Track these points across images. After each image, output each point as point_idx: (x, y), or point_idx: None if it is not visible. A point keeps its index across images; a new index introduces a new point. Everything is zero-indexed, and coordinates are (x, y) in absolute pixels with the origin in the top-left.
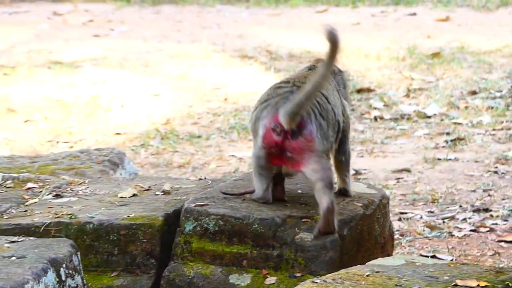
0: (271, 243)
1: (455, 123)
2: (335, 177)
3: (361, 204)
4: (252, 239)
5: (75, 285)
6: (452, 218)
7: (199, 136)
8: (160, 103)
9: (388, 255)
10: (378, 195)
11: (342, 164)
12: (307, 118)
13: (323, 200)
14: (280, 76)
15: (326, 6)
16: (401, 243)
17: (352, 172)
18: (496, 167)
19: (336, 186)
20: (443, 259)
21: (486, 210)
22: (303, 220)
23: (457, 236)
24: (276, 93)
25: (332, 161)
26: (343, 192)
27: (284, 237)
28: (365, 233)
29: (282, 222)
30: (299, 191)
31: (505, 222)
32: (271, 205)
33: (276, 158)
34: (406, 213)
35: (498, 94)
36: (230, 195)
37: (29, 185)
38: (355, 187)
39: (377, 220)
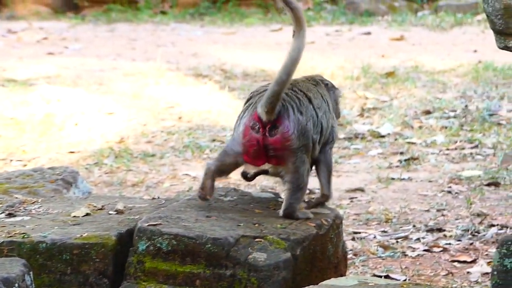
0: (224, 263)
1: (409, 142)
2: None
3: (314, 224)
4: (205, 259)
5: None
6: (405, 238)
7: (153, 155)
8: (114, 122)
9: (341, 275)
10: (331, 215)
11: (323, 169)
12: (284, 114)
13: (284, 203)
14: (234, 95)
15: (281, 24)
16: (354, 263)
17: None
18: (450, 187)
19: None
20: (397, 279)
21: (440, 230)
22: (256, 240)
23: (411, 256)
24: (257, 92)
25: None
26: (323, 198)
27: (237, 257)
28: (318, 253)
29: (235, 242)
30: (256, 210)
31: (458, 242)
32: (224, 224)
33: (259, 158)
34: (359, 232)
35: (452, 114)
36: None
37: None
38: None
39: (330, 240)
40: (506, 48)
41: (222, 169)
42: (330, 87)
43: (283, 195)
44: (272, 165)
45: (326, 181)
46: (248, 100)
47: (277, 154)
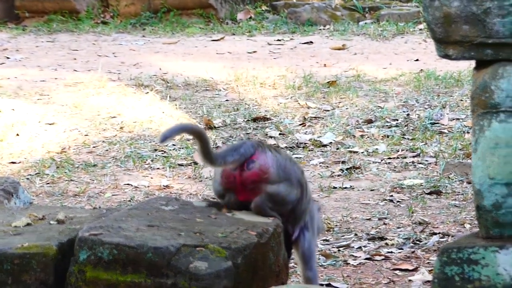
0: (165, 272)
1: (350, 151)
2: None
3: (255, 233)
4: (146, 268)
5: None
6: (347, 246)
7: (94, 165)
8: (56, 132)
9: (283, 283)
10: (272, 223)
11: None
12: (262, 151)
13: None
14: (176, 104)
15: (223, 34)
16: (296, 272)
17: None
18: (392, 196)
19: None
20: None
21: (381, 238)
22: (197, 248)
23: (352, 265)
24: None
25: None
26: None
27: (178, 266)
28: (260, 261)
29: (176, 251)
30: (197, 220)
31: (400, 251)
32: (165, 233)
33: (240, 193)
34: None
35: (394, 123)
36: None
37: None
38: (249, 215)
39: (271, 249)
40: (446, 56)
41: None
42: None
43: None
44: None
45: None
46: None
47: (253, 186)
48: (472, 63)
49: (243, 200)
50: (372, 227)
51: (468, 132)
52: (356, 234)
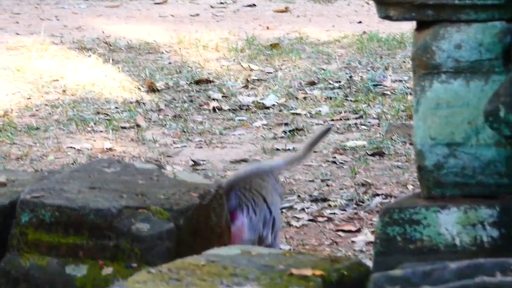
0: (107, 234)
1: (293, 113)
2: None
3: (197, 194)
4: (88, 230)
5: None
6: (290, 208)
7: (37, 128)
8: None
9: (225, 245)
10: (214, 185)
11: None
12: (239, 212)
13: None
14: (119, 68)
15: None
16: None
17: (191, 163)
18: (334, 157)
19: None
20: (281, 249)
21: (324, 200)
22: (139, 210)
23: (295, 226)
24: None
25: None
26: None
27: (120, 228)
28: (202, 223)
29: (118, 213)
30: (139, 181)
31: (343, 212)
32: (107, 195)
33: None
34: None
35: (336, 85)
36: None
37: None
38: (192, 177)
39: (213, 210)
40: (387, 17)
41: None
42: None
43: (168, 167)
44: None
45: None
46: None
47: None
48: (414, 25)
49: None
50: (315, 189)
51: (410, 94)
52: (299, 196)
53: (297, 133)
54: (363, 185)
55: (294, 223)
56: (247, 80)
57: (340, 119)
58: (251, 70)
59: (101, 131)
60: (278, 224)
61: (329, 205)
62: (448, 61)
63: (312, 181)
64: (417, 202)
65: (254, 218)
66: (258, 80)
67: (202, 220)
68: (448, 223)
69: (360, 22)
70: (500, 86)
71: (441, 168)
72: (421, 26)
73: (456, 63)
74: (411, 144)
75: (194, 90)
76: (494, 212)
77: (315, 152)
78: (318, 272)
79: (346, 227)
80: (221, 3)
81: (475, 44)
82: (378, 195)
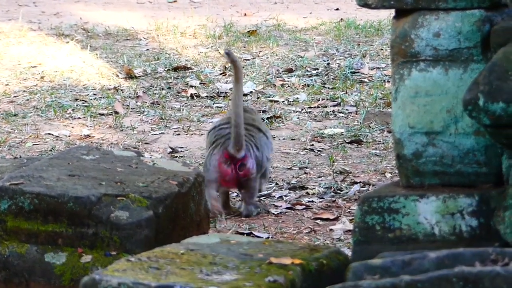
0: (86, 222)
1: (271, 100)
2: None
3: (176, 182)
4: (67, 218)
5: None
6: (268, 196)
7: (15, 115)
8: None
9: (204, 233)
10: (193, 173)
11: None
12: (248, 156)
13: (245, 207)
14: (96, 54)
15: None
16: (218, 221)
17: (169, 150)
18: (312, 145)
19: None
20: (259, 237)
21: (302, 187)
22: (118, 198)
23: (273, 214)
24: (221, 135)
25: None
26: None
27: (99, 216)
28: (180, 211)
29: (97, 201)
30: (118, 169)
31: (321, 200)
32: (86, 183)
33: (232, 184)
34: None
35: (314, 72)
36: None
37: None
38: (170, 165)
39: (192, 198)
40: (366, 5)
41: (217, 191)
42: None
43: (146, 154)
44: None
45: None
46: (214, 142)
47: (244, 180)
48: (392, 12)
49: (233, 187)
50: (293, 177)
51: (388, 81)
52: (277, 184)
53: (275, 120)
54: (341, 173)
55: (272, 211)
56: (225, 67)
57: (318, 107)
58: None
59: (79, 118)
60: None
61: (307, 193)
62: (426, 49)
63: (290, 168)
64: (396, 191)
65: (258, 154)
66: None
67: (181, 208)
68: (427, 212)
69: (337, 9)
70: (479, 74)
71: (419, 156)
72: (400, 14)
73: (434, 51)
74: (389, 132)
75: (172, 77)
76: (473, 201)
77: (293, 139)
78: (297, 261)
79: (324, 215)
80: None
81: (454, 32)
82: (356, 183)
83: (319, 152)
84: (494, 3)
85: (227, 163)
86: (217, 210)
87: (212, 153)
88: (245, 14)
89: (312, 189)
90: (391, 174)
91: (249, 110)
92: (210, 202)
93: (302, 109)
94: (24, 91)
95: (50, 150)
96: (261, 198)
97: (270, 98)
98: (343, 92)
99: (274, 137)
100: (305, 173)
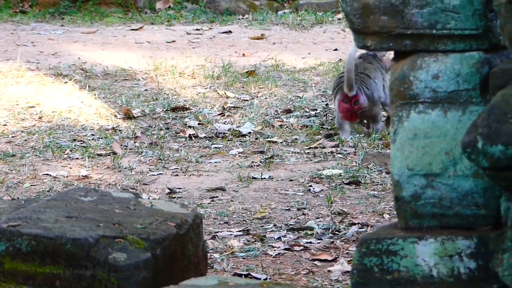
0: (84, 263)
1: (270, 141)
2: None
3: (174, 224)
4: (65, 259)
5: None
6: (264, 237)
7: (13, 155)
8: None
9: (202, 275)
10: (191, 214)
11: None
12: (359, 93)
13: (374, 127)
14: (95, 94)
15: (141, 23)
16: (215, 262)
17: (167, 191)
18: (310, 186)
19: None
20: (257, 278)
21: (301, 228)
22: (116, 240)
23: (271, 255)
24: (341, 81)
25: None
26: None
27: (97, 257)
28: (179, 252)
29: (95, 242)
30: (116, 210)
31: (319, 241)
32: (84, 225)
33: (350, 117)
34: (220, 231)
35: (312, 113)
36: None
37: None
38: (168, 206)
39: (190, 240)
40: (364, 47)
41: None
42: (375, 56)
43: (144, 195)
44: (360, 119)
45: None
46: (336, 86)
47: (361, 113)
48: (391, 53)
49: (354, 120)
50: (291, 218)
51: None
52: (275, 225)
53: (273, 161)
54: (339, 214)
55: (270, 252)
56: (223, 107)
57: (316, 147)
58: (227, 97)
59: (77, 158)
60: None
61: (306, 234)
62: (425, 91)
63: (288, 209)
64: (394, 233)
65: (368, 92)
66: (234, 107)
67: (179, 250)
68: (426, 254)
69: (336, 49)
70: (478, 117)
71: (418, 199)
72: (399, 56)
73: (433, 94)
74: (387, 173)
75: (171, 118)
76: (472, 243)
77: (291, 180)
78: None
79: (323, 257)
80: (197, 29)
81: (453, 74)
82: (354, 224)
83: (317, 193)
84: (493, 45)
85: (345, 101)
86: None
87: (335, 97)
88: (244, 54)
89: (310, 230)
90: (389, 215)
91: (366, 58)
92: (342, 135)
93: (300, 150)
94: (22, 131)
95: (48, 191)
96: (257, 240)
97: (269, 139)
98: None
99: (271, 178)
100: (303, 214)
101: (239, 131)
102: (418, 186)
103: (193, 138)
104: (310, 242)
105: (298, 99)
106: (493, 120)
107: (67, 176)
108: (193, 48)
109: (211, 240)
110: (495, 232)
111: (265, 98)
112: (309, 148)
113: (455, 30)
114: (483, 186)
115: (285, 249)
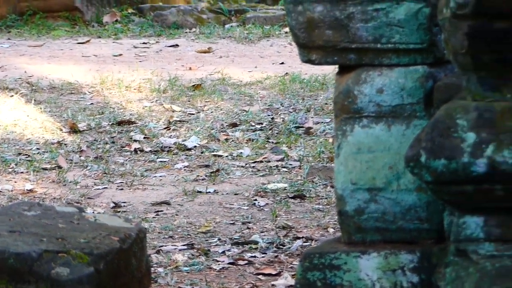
0: (27, 278)
1: (215, 155)
2: None
3: (117, 238)
4: (8, 274)
5: None
6: (208, 251)
7: None
8: None
9: None
10: (135, 229)
11: None
12: None
13: None
14: (41, 108)
15: (88, 37)
16: (159, 276)
17: (112, 205)
18: (255, 200)
19: None
20: None
21: (245, 243)
22: (59, 254)
23: (216, 269)
24: None
25: None
26: None
27: (40, 272)
28: (122, 267)
29: (38, 257)
30: (59, 225)
31: (263, 255)
32: (27, 239)
33: None
34: (165, 246)
35: (258, 127)
36: None
37: None
38: (112, 220)
39: (134, 254)
40: (309, 61)
41: None
42: None
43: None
44: None
45: None
46: None
47: None
48: (337, 67)
49: None
50: (236, 232)
51: (332, 136)
52: (219, 239)
53: (219, 175)
54: (284, 228)
55: (214, 266)
56: (169, 121)
57: (262, 161)
58: (173, 111)
59: (22, 172)
60: None
61: (250, 248)
62: (369, 105)
63: (233, 223)
64: (337, 247)
65: None
66: (180, 121)
67: (123, 265)
68: (369, 268)
69: (282, 63)
70: (421, 131)
71: (361, 213)
72: (343, 70)
73: (377, 108)
74: (332, 186)
75: (116, 131)
76: (415, 257)
77: (236, 194)
78: None
79: (267, 271)
80: (144, 43)
81: (397, 88)
82: (298, 238)
83: (262, 207)
84: (437, 59)
85: None
86: None
87: None
88: (191, 68)
89: (254, 244)
90: (334, 229)
91: None
92: None
93: (246, 164)
94: None
95: None
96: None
97: (214, 153)
98: (287, 147)
99: (217, 192)
100: (248, 228)
101: (185, 145)
102: (361, 201)
103: (139, 152)
104: (255, 256)
105: (244, 112)
106: (436, 134)
107: (11, 190)
108: (140, 61)
109: (156, 255)
110: (438, 246)
111: (211, 112)
112: (255, 162)
113: (400, 44)
114: (426, 200)
115: (229, 263)
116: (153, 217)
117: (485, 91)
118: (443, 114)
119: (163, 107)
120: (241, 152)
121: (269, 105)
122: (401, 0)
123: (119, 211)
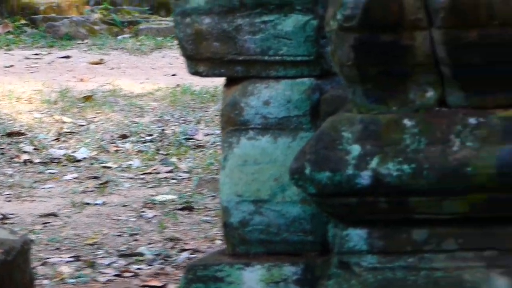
0: None
1: (104, 167)
2: None
3: (2, 250)
4: None
5: None
6: (94, 263)
7: None
8: None
9: None
10: (19, 241)
11: None
12: None
13: None
14: None
15: None
16: None
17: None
18: (144, 211)
19: None
20: None
21: (132, 254)
22: None
23: (101, 281)
24: None
25: None
26: None
27: None
28: (7, 279)
29: None
30: None
31: (149, 267)
32: None
33: None
34: (51, 258)
35: (148, 138)
36: None
37: None
38: None
39: (18, 267)
40: (197, 73)
41: None
42: None
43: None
44: None
45: None
46: None
47: None
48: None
49: None
50: (123, 243)
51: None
52: (106, 251)
53: (107, 186)
54: (171, 240)
55: (100, 278)
56: (59, 133)
57: (151, 173)
58: (64, 122)
59: None
60: None
61: (137, 260)
62: (256, 117)
63: (120, 235)
64: (221, 259)
65: None
66: (70, 132)
67: (7, 277)
68: (252, 280)
69: (174, 74)
70: (306, 143)
71: (246, 225)
72: (231, 82)
73: (264, 120)
74: None
75: (6, 143)
76: (298, 269)
77: (124, 206)
78: None
79: (152, 283)
80: (36, 54)
81: (284, 100)
82: (185, 250)
83: (150, 219)
84: (324, 72)
85: None
86: None
87: None
88: (82, 79)
89: (141, 256)
90: (221, 241)
91: None
92: None
93: (135, 175)
94: None
95: None
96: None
97: (104, 164)
98: (177, 159)
99: (105, 204)
100: (135, 240)
101: (74, 157)
102: (246, 213)
103: (28, 163)
104: (141, 268)
105: (135, 124)
106: (321, 146)
107: None
108: (31, 73)
109: (41, 266)
110: (322, 258)
111: (102, 123)
112: (144, 173)
113: (287, 56)
114: (311, 212)
115: (115, 275)
116: (40, 229)
117: (371, 103)
118: (328, 126)
119: (54, 118)
120: (130, 164)
121: (159, 117)
122: (289, 12)
123: (6, 223)
